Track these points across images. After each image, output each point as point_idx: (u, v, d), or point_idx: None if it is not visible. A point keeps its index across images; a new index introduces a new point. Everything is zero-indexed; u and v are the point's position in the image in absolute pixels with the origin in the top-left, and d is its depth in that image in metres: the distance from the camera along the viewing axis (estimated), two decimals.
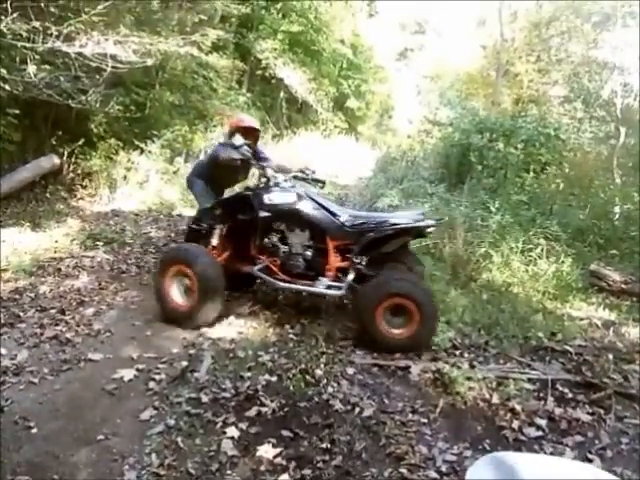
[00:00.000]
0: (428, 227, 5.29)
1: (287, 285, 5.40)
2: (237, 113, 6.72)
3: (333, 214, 5.37)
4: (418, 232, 5.45)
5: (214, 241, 5.54)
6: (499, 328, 5.47)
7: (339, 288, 5.26)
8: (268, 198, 5.37)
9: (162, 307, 5.28)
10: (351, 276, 5.24)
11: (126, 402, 3.85)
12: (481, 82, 25.45)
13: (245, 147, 5.64)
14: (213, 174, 6.39)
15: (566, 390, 4.42)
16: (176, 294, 5.22)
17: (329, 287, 5.30)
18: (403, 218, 5.27)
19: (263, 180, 5.61)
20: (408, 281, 5.01)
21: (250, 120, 6.73)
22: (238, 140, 5.69)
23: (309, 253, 5.44)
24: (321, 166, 17.00)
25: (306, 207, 5.38)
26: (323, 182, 6.19)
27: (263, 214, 5.36)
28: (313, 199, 5.45)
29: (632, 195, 9.80)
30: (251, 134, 6.30)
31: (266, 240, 5.50)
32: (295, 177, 5.91)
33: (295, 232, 5.45)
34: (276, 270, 5.45)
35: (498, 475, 1.71)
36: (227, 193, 6.83)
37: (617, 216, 9.80)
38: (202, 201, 6.38)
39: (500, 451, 3.41)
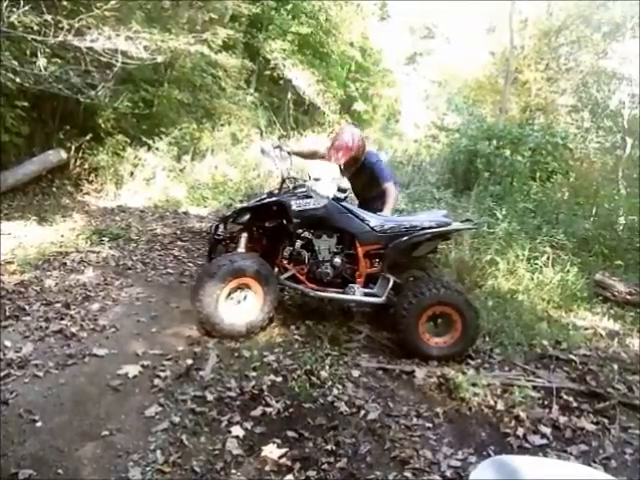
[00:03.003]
0: (467, 229, 5.29)
1: (321, 294, 5.27)
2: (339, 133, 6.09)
3: (361, 219, 5.26)
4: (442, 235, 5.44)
5: (241, 250, 5.24)
6: (504, 335, 5.46)
7: (377, 295, 5.19)
8: (297, 204, 5.14)
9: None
10: (391, 283, 5.17)
11: (131, 398, 3.84)
12: (489, 89, 25.46)
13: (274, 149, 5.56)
14: None
15: (570, 399, 4.41)
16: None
17: (366, 294, 5.23)
18: (432, 221, 5.26)
19: (288, 185, 5.48)
20: (452, 289, 5.01)
21: (334, 154, 5.86)
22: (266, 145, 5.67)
23: (338, 260, 5.30)
24: (326, 169, 17.10)
25: (334, 212, 5.24)
26: (346, 190, 5.90)
27: (294, 221, 5.15)
28: (340, 204, 5.31)
29: (637, 206, 9.78)
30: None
31: (293, 248, 5.42)
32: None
33: (322, 238, 5.33)
34: (303, 279, 5.31)
35: (501, 477, 1.71)
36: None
37: (622, 227, 9.79)
38: None
39: None
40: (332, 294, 5.28)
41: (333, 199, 5.25)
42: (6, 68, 7.61)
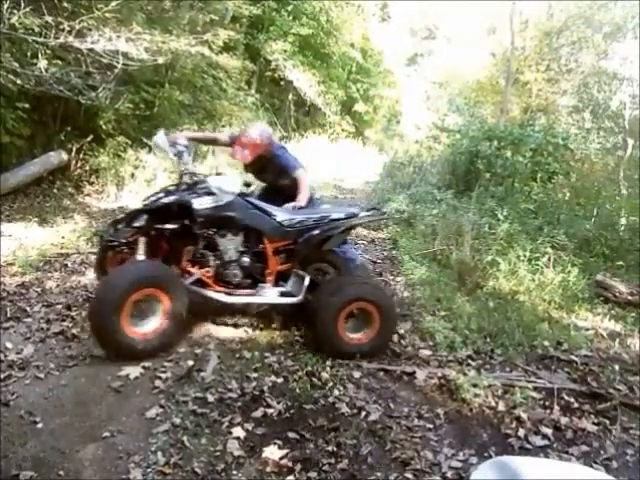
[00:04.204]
0: (376, 219, 5.13)
1: (232, 299, 4.91)
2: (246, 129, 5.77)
3: (269, 214, 5.01)
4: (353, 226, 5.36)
5: (140, 257, 4.67)
6: (505, 336, 5.45)
7: (293, 295, 4.98)
8: (199, 202, 4.70)
9: None
10: (307, 280, 4.96)
11: (132, 400, 3.83)
12: (490, 90, 25.47)
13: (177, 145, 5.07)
14: None
15: (572, 400, 4.40)
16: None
17: (282, 294, 5.02)
18: (340, 212, 5.15)
19: (186, 181, 5.00)
20: (371, 285, 4.96)
21: (240, 152, 5.54)
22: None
23: (246, 259, 5.00)
24: (328, 169, 17.11)
25: (240, 209, 4.93)
26: (250, 184, 5.66)
27: (198, 220, 4.72)
28: (245, 199, 5.04)
29: (638, 207, 9.78)
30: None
31: (197, 249, 4.92)
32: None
33: (227, 237, 4.94)
34: (210, 282, 4.88)
35: (502, 477, 1.72)
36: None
37: (623, 227, 9.79)
38: None
39: None
40: (244, 298, 5.01)
41: (238, 194, 4.96)
42: (7, 69, 7.61)
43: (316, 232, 4.97)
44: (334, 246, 5.46)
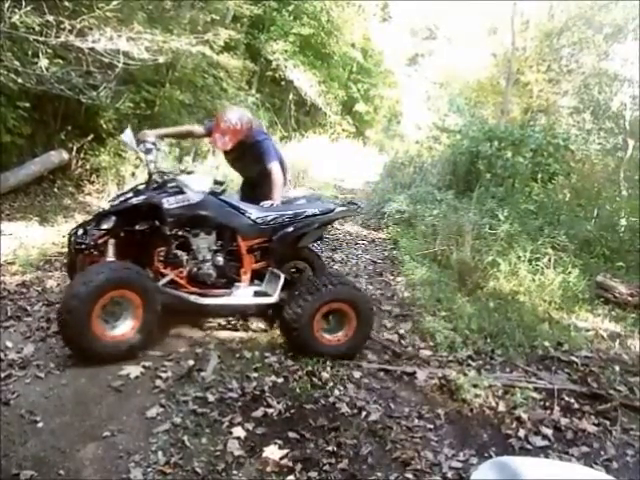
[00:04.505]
0: (352, 214, 5.02)
1: (205, 300, 4.81)
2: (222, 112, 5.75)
3: (242, 212, 4.92)
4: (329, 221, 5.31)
5: (109, 258, 4.54)
6: (505, 336, 5.45)
7: (268, 294, 4.89)
8: (169, 202, 4.57)
9: None
10: (282, 280, 4.88)
11: (132, 399, 3.83)
12: (491, 90, 25.45)
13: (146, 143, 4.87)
14: None
15: (572, 400, 4.41)
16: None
17: (256, 294, 4.93)
18: (315, 208, 5.06)
19: (156, 180, 4.84)
20: (348, 285, 4.91)
21: (220, 138, 5.43)
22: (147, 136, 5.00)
23: (219, 258, 4.89)
24: (328, 169, 17.12)
25: (212, 207, 4.82)
26: (222, 183, 5.32)
27: (168, 220, 4.59)
28: (217, 197, 4.92)
29: (638, 208, 9.77)
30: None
31: (169, 249, 4.78)
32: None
33: (200, 236, 4.82)
34: (184, 283, 4.78)
35: (502, 477, 1.72)
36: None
37: (623, 228, 9.78)
38: None
39: None
40: (217, 300, 4.88)
41: (210, 193, 4.85)
42: (8, 68, 7.61)
43: (290, 229, 4.91)
44: (310, 243, 5.46)
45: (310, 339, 4.62)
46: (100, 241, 4.60)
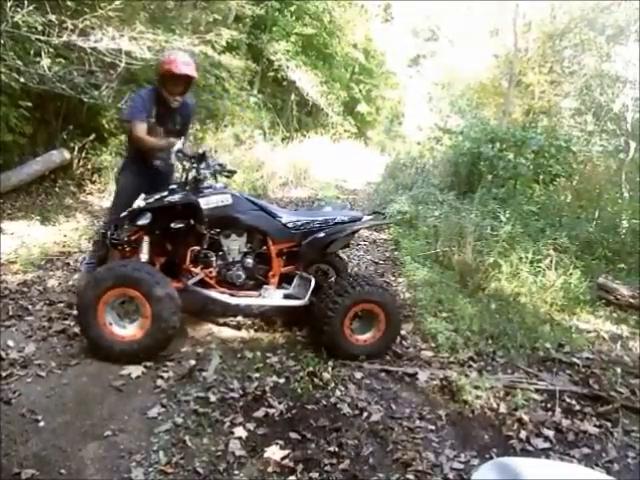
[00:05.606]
0: (381, 223, 5.07)
1: (235, 300, 4.89)
2: (172, 53, 5.70)
3: (273, 215, 4.98)
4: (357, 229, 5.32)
5: (144, 256, 4.63)
6: (507, 338, 5.44)
7: (298, 297, 4.92)
8: (205, 202, 4.63)
9: None
10: (313, 283, 4.90)
11: (134, 399, 3.84)
12: (492, 91, 25.41)
13: (180, 154, 4.75)
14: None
15: (573, 402, 4.41)
16: None
17: (286, 297, 4.97)
18: (345, 216, 5.14)
19: (192, 179, 4.82)
20: (376, 285, 4.92)
21: (184, 65, 5.03)
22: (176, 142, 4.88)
23: (249, 260, 4.96)
24: (330, 170, 17.13)
25: (245, 209, 4.87)
26: (234, 172, 5.37)
27: (205, 220, 4.68)
28: (249, 200, 5.02)
29: None
30: (182, 81, 5.13)
31: (201, 249, 4.86)
32: (214, 173, 4.94)
33: (231, 238, 4.91)
34: (213, 283, 4.86)
35: (503, 477, 1.72)
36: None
37: (625, 230, 9.78)
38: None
39: None
40: (248, 300, 5.00)
41: (240, 194, 4.98)
42: (10, 68, 7.60)
43: (321, 235, 4.95)
44: (337, 249, 5.48)
45: (341, 340, 4.69)
46: (134, 237, 4.74)
